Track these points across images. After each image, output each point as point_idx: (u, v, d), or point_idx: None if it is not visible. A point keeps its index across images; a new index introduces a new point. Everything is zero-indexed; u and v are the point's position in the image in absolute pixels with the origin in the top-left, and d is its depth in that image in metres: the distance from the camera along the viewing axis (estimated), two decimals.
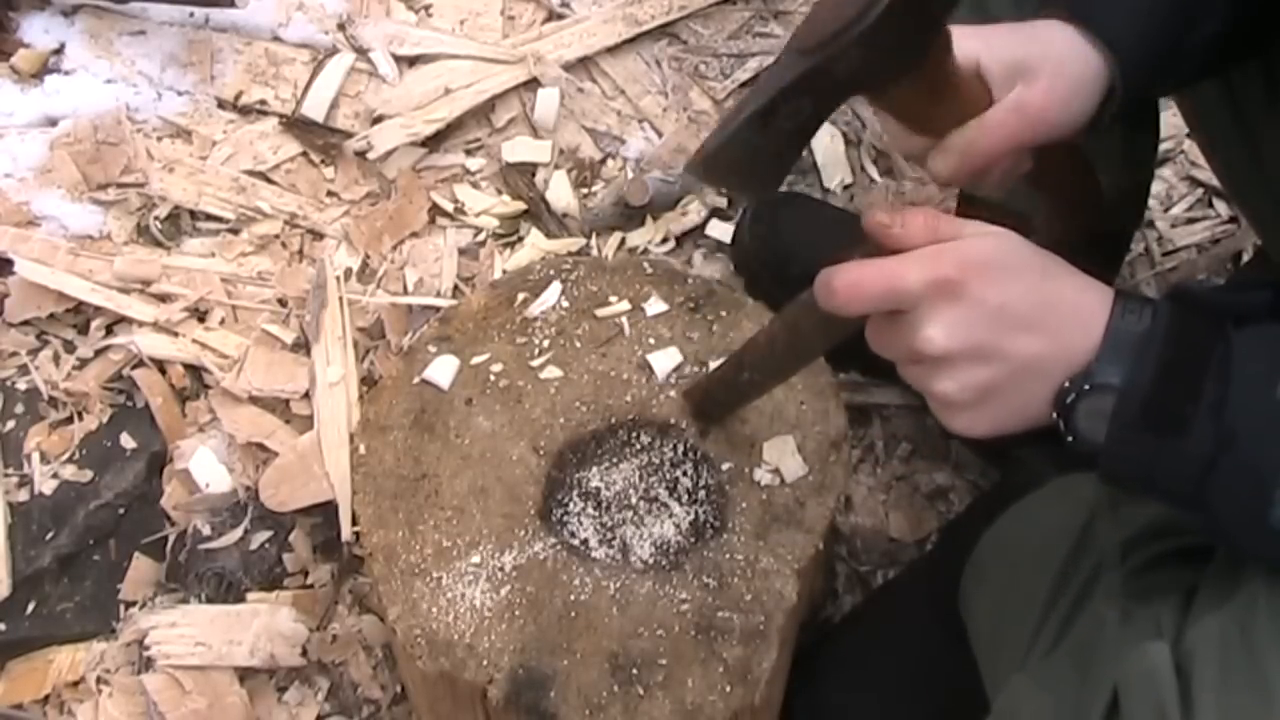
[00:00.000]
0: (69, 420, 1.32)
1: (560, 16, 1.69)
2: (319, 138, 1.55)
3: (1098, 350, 0.69)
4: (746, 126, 0.82)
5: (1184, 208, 1.58)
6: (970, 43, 0.83)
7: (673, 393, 1.06)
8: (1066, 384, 0.70)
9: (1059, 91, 0.83)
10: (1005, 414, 0.72)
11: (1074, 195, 1.05)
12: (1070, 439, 0.70)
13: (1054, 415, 0.71)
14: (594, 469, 1.04)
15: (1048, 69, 0.83)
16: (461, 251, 1.49)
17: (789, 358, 0.92)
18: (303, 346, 1.37)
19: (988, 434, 0.73)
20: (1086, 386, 0.69)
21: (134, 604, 1.25)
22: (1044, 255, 0.73)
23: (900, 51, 0.79)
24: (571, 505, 1.03)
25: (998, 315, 0.70)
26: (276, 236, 1.48)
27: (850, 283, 0.72)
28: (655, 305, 1.12)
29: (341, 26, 1.64)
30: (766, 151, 0.84)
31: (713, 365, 1.06)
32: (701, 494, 1.03)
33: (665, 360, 1.08)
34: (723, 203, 1.53)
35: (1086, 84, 0.84)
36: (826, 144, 1.59)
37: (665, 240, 1.51)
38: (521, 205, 1.52)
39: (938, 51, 0.81)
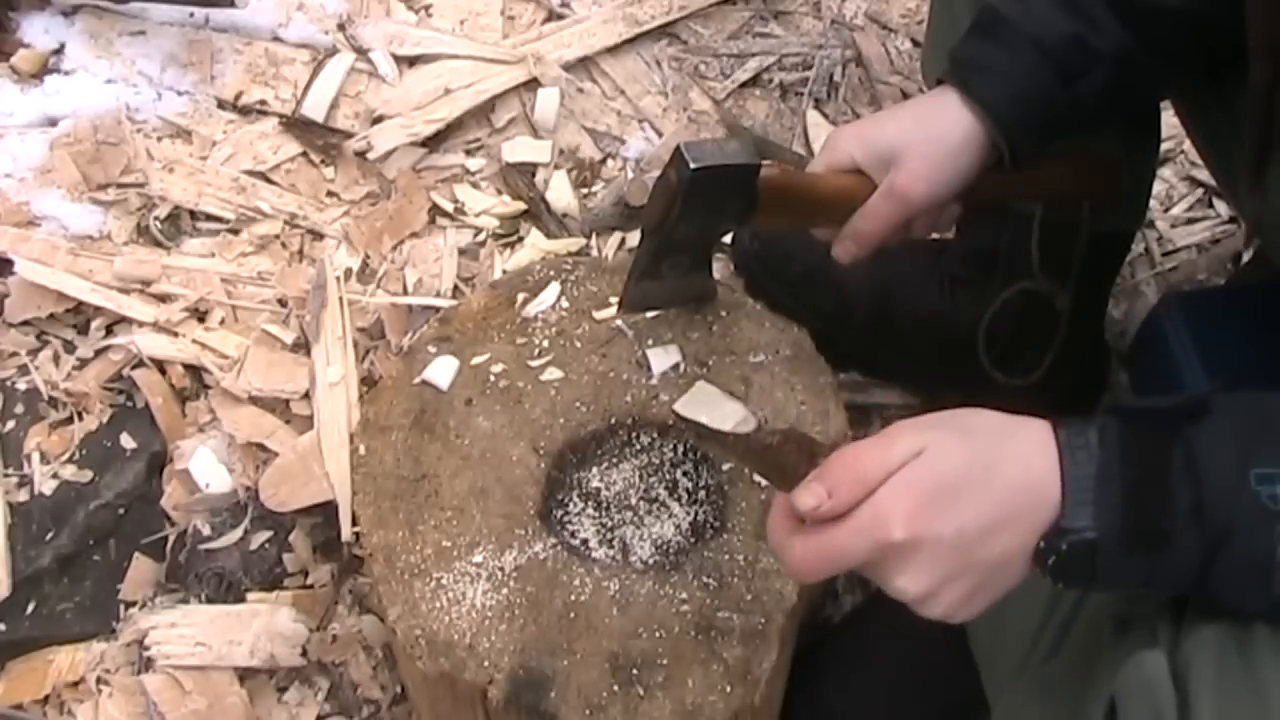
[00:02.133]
0: (69, 420, 1.32)
1: (560, 16, 1.69)
2: (319, 138, 1.55)
3: (1061, 507, 0.68)
4: (641, 279, 1.04)
5: (1184, 208, 1.58)
6: (845, 146, 0.98)
7: (672, 393, 1.06)
8: (1042, 545, 0.69)
9: (923, 169, 0.94)
10: (994, 596, 0.72)
11: (1073, 194, 1.07)
12: (1060, 585, 0.70)
13: (1037, 571, 0.70)
14: (594, 469, 1.04)
15: (914, 150, 0.94)
16: (461, 251, 1.49)
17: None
18: (303, 346, 1.37)
19: (979, 613, 0.73)
20: (1064, 546, 0.68)
21: (134, 604, 1.25)
22: (977, 440, 0.71)
23: (726, 211, 0.97)
24: (571, 505, 1.03)
25: (958, 542, 0.68)
26: (276, 236, 1.48)
27: (801, 566, 0.72)
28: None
29: (341, 26, 1.64)
30: (673, 286, 1.06)
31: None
32: (701, 494, 1.03)
33: (664, 358, 1.08)
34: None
35: (959, 151, 0.95)
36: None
37: None
38: (521, 205, 1.52)
39: (767, 194, 0.96)
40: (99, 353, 1.36)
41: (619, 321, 1.11)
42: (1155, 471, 0.68)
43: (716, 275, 1.14)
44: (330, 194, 1.52)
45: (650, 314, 1.10)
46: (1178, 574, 0.69)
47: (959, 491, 0.69)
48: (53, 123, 1.53)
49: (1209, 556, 0.67)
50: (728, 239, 1.46)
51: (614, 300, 1.13)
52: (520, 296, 1.14)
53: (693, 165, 0.91)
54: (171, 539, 1.27)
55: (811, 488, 0.71)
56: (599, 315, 1.12)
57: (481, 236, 1.50)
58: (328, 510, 1.25)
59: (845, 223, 0.99)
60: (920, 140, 0.95)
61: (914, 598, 0.70)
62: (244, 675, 1.20)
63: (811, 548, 0.71)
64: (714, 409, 1.06)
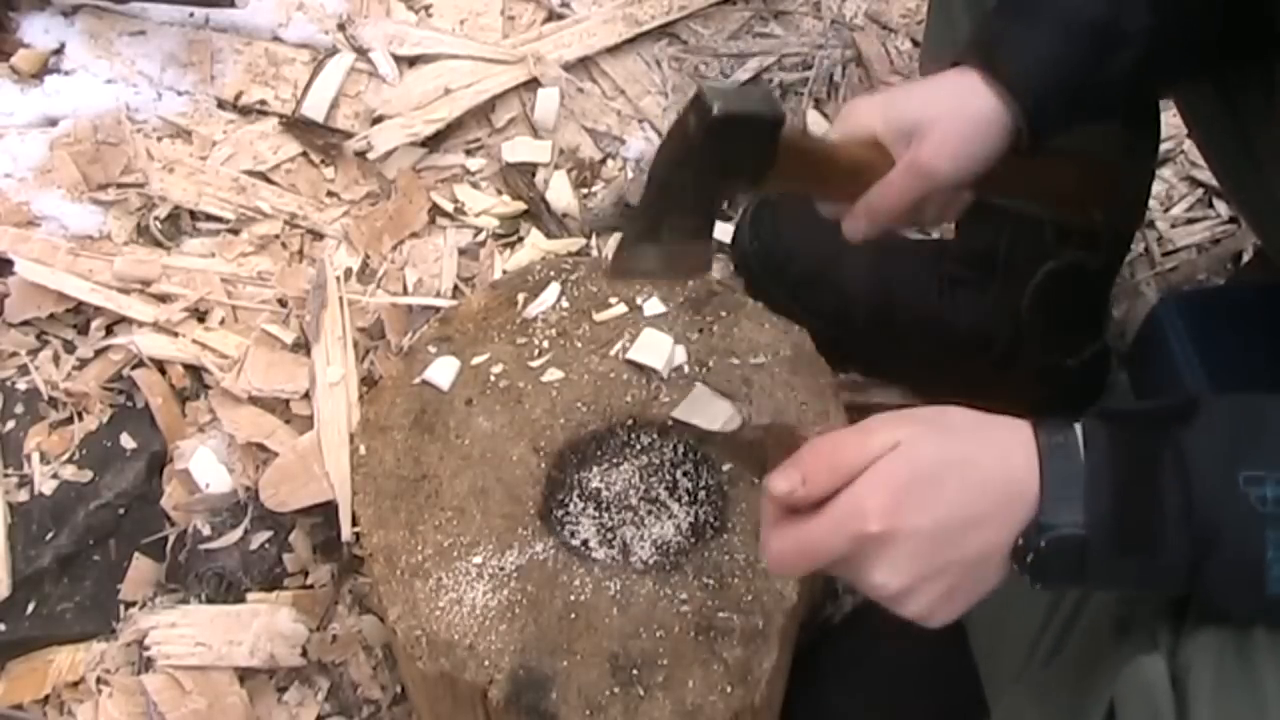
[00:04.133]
0: (69, 420, 1.32)
1: (560, 16, 1.69)
2: (319, 138, 1.55)
3: (1040, 504, 0.68)
4: (637, 241, 0.94)
5: (1184, 208, 1.58)
6: (866, 116, 0.92)
7: (674, 395, 1.06)
8: (1020, 542, 0.68)
9: (947, 145, 0.89)
10: (972, 597, 0.71)
11: (1075, 196, 1.07)
12: (1040, 585, 0.69)
13: (1015, 568, 0.69)
14: (594, 470, 1.04)
15: (938, 124, 0.89)
16: (461, 252, 1.49)
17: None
18: (303, 346, 1.37)
19: (957, 616, 0.72)
20: (1042, 544, 0.68)
21: (134, 604, 1.25)
22: (956, 436, 0.70)
23: (741, 167, 0.89)
24: (572, 506, 1.03)
25: (935, 535, 0.68)
26: (276, 236, 1.48)
27: (777, 559, 0.71)
28: (654, 306, 1.12)
29: (341, 26, 1.64)
30: (669, 253, 0.95)
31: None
32: (701, 494, 1.03)
33: (657, 352, 1.08)
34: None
35: (982, 131, 0.90)
36: None
37: None
38: (521, 205, 1.52)
39: (785, 153, 0.89)
40: (99, 353, 1.36)
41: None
42: (1144, 473, 0.67)
43: (716, 275, 1.13)
44: (330, 194, 1.52)
45: (640, 281, 1.04)
46: (1168, 576, 0.68)
47: (937, 485, 0.68)
48: (53, 123, 1.52)
49: (1198, 558, 0.67)
50: (728, 239, 1.47)
51: (614, 300, 1.13)
52: (520, 296, 1.14)
53: (716, 110, 0.83)
54: (171, 539, 1.27)
55: (786, 472, 0.70)
56: (599, 316, 1.12)
57: (481, 236, 1.50)
58: (328, 510, 1.25)
59: (856, 196, 0.94)
60: (945, 115, 0.90)
61: (892, 594, 0.69)
62: (244, 675, 1.20)
63: (789, 540, 0.70)
64: (705, 409, 1.06)
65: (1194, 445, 0.68)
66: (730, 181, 0.93)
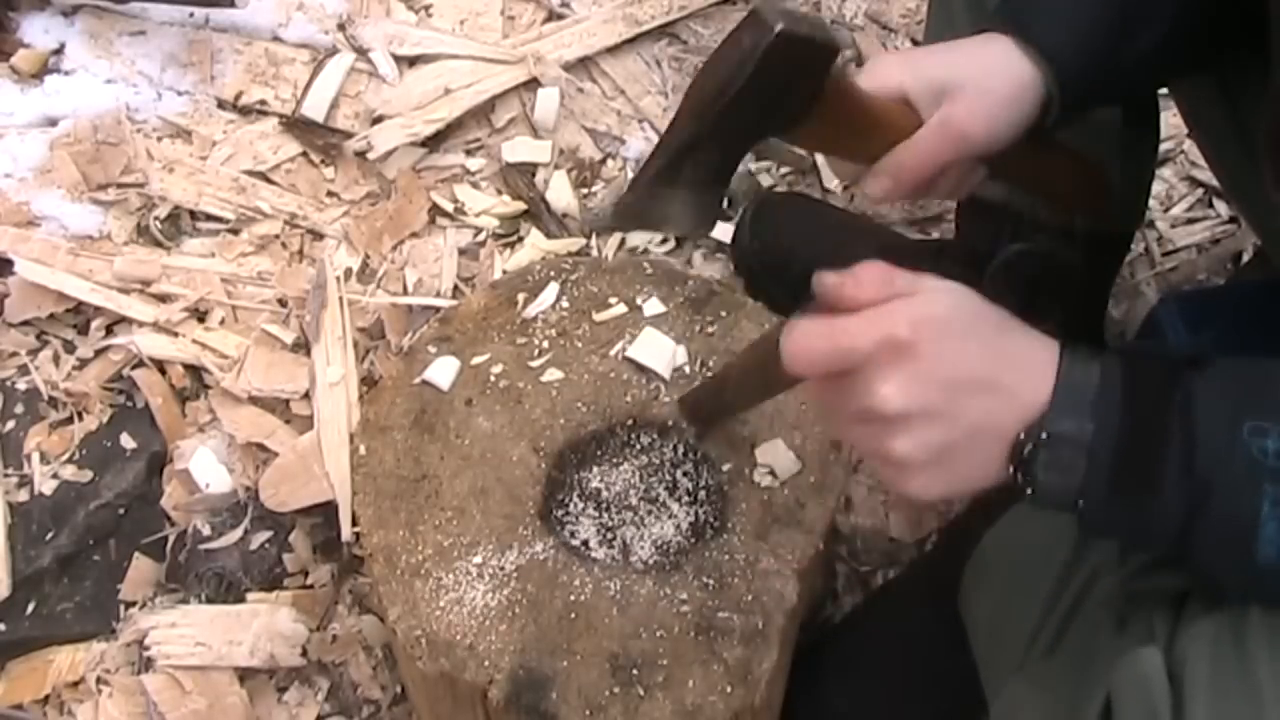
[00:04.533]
0: (69, 420, 1.32)
1: (560, 16, 1.69)
2: (319, 138, 1.55)
3: (1050, 401, 0.68)
4: (654, 182, 0.87)
5: (1184, 208, 1.58)
6: (895, 71, 0.87)
7: (673, 394, 1.06)
8: (1021, 435, 0.69)
9: (982, 107, 0.85)
10: (960, 475, 0.71)
11: (1072, 196, 1.06)
12: (1030, 492, 0.69)
13: (1010, 469, 0.69)
14: (594, 470, 1.04)
15: (971, 86, 0.85)
16: (461, 252, 1.49)
17: (759, 388, 0.93)
18: (303, 346, 1.37)
19: (942, 497, 0.72)
20: (1043, 435, 0.68)
21: (134, 604, 1.25)
22: (994, 311, 0.72)
23: (787, 100, 0.83)
24: (572, 506, 1.03)
25: (951, 374, 0.68)
26: (276, 236, 1.48)
27: (800, 346, 0.71)
28: (654, 306, 1.12)
29: (341, 26, 1.64)
30: (681, 199, 0.88)
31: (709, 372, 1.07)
32: (701, 494, 1.03)
33: (658, 354, 1.08)
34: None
35: (1016, 97, 0.86)
36: None
37: (665, 240, 1.51)
38: (521, 205, 1.52)
39: (832, 92, 0.84)
40: (99, 353, 1.36)
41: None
42: (1153, 410, 0.68)
43: (716, 275, 1.13)
44: (330, 194, 1.52)
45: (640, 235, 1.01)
46: (1161, 526, 0.68)
47: (968, 331, 0.70)
48: (53, 123, 1.53)
49: (1193, 508, 0.67)
50: (728, 239, 1.47)
51: (613, 300, 1.13)
52: (520, 296, 1.14)
53: (778, 28, 0.77)
54: (171, 539, 1.27)
55: (840, 274, 0.71)
56: (599, 316, 1.12)
57: (481, 236, 1.50)
58: (328, 510, 1.25)
59: (877, 157, 0.89)
60: (978, 76, 0.86)
61: (892, 413, 0.68)
62: (244, 675, 1.20)
63: (819, 327, 0.70)
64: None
65: (1203, 390, 0.68)
66: (769, 118, 0.86)
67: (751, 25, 0.79)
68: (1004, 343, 0.71)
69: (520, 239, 1.50)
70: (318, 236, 1.49)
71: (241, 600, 1.23)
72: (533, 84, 1.60)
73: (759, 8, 0.79)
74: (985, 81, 0.86)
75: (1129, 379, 0.69)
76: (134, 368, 1.34)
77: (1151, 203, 1.51)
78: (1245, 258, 1.50)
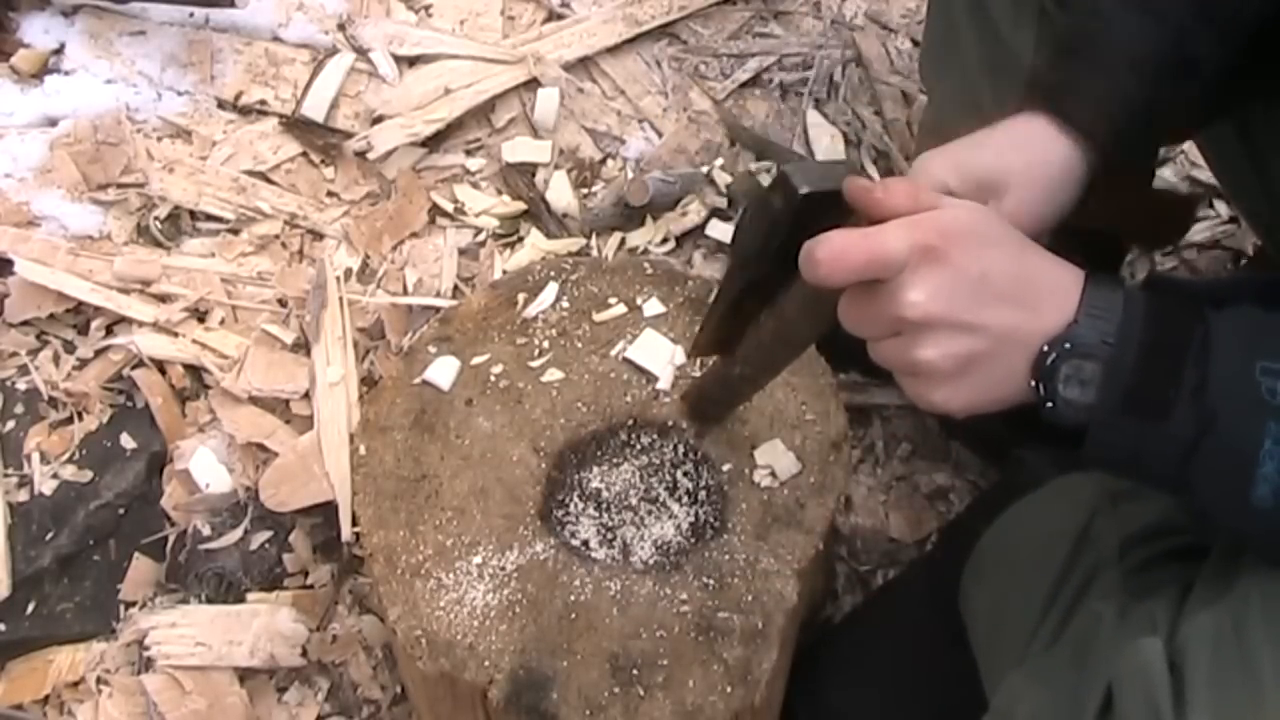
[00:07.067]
0: (69, 420, 1.32)
1: (560, 16, 1.69)
2: (319, 138, 1.55)
3: (1075, 314, 0.70)
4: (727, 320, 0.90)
5: None
6: (938, 171, 0.86)
7: (674, 394, 1.06)
8: (1045, 348, 0.70)
9: (1031, 201, 0.86)
10: (984, 387, 0.72)
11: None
12: (1050, 405, 0.70)
13: (1033, 383, 0.71)
14: (594, 470, 1.04)
15: (1015, 180, 0.85)
16: (461, 252, 1.49)
17: (779, 347, 0.91)
18: (303, 346, 1.37)
19: (965, 409, 0.73)
20: (1067, 345, 0.69)
21: (134, 604, 1.25)
22: (1018, 232, 0.74)
23: (819, 232, 0.82)
24: (572, 506, 1.03)
25: (979, 284, 0.70)
26: (276, 236, 1.48)
27: (833, 252, 0.71)
28: (654, 306, 1.12)
29: (341, 26, 1.64)
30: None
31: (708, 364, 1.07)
32: (701, 495, 1.03)
33: (658, 357, 1.08)
34: (723, 203, 1.53)
35: (1062, 180, 0.87)
36: (827, 144, 1.59)
37: (665, 240, 1.51)
38: (521, 205, 1.52)
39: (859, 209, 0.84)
40: (99, 353, 1.36)
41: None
42: (1173, 341, 0.69)
43: (716, 275, 1.13)
44: (330, 194, 1.52)
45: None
46: (1164, 452, 0.69)
47: (996, 245, 0.71)
48: (53, 123, 1.53)
49: (1198, 436, 0.68)
50: (728, 239, 1.47)
51: (613, 300, 1.13)
52: (520, 296, 1.14)
53: (802, 190, 0.79)
54: (171, 539, 1.27)
55: (877, 183, 0.72)
56: (599, 316, 1.12)
57: (481, 236, 1.50)
58: (328, 510, 1.25)
59: None
60: (1022, 168, 0.86)
61: (920, 316, 0.69)
62: (244, 675, 1.20)
63: (854, 236, 0.70)
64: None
65: (1222, 327, 0.70)
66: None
67: (780, 187, 0.81)
68: (1029, 260, 0.72)
69: (520, 239, 1.50)
70: (318, 236, 1.49)
71: (241, 600, 1.23)
72: (533, 84, 1.60)
73: (785, 171, 0.81)
74: (1030, 172, 0.86)
75: (1152, 306, 0.70)
76: (134, 368, 1.35)
77: None
78: (1245, 258, 1.50)
